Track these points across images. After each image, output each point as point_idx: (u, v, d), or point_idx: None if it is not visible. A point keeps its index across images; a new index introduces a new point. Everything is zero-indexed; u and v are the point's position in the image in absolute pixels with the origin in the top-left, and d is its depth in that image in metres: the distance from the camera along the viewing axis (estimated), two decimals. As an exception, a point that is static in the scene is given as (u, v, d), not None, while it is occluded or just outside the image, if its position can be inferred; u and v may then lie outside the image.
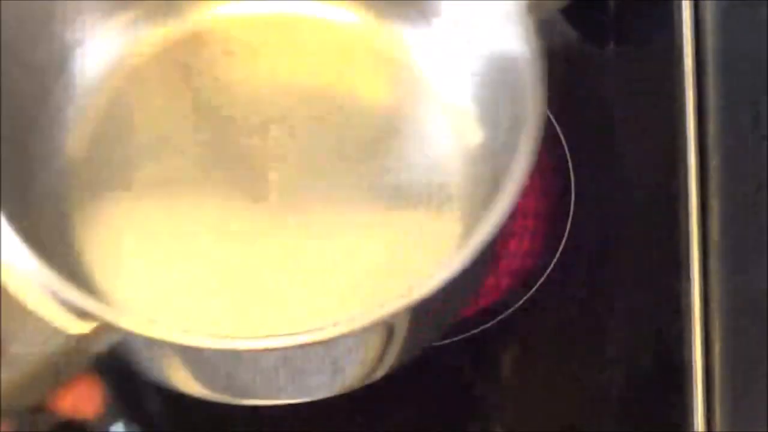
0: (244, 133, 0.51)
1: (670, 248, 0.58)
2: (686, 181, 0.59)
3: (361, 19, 0.52)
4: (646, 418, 0.55)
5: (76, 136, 0.51)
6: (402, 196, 0.50)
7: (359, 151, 0.51)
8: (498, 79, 0.48)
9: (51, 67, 0.51)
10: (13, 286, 0.40)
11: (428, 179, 0.50)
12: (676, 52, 0.62)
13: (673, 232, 0.58)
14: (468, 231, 0.47)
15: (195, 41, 0.53)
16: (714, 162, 0.59)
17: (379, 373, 0.48)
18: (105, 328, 0.40)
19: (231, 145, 0.51)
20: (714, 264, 0.57)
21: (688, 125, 0.60)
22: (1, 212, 0.41)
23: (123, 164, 0.51)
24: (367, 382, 0.48)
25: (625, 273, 0.59)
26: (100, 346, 0.41)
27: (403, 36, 0.52)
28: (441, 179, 0.50)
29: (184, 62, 0.53)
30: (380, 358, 0.46)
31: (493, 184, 0.45)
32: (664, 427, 0.55)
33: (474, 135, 0.51)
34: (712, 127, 0.60)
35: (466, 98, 0.51)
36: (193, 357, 0.43)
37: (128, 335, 0.40)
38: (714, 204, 0.58)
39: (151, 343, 0.41)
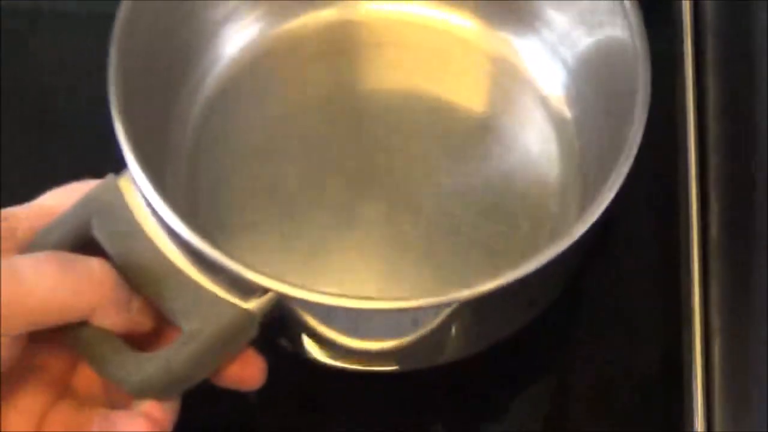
0: (356, 124, 0.55)
1: (670, 248, 0.58)
2: (686, 181, 0.59)
3: (473, 23, 0.58)
4: (646, 418, 0.55)
5: (209, 114, 0.55)
6: (506, 177, 0.55)
7: (463, 140, 0.56)
8: (593, 64, 0.54)
9: (194, 45, 0.55)
10: (185, 265, 0.44)
11: (528, 163, 0.55)
12: (677, 52, 0.62)
13: (673, 232, 0.58)
14: (565, 207, 0.54)
15: (321, 36, 0.57)
16: (714, 162, 0.59)
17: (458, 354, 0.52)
18: (275, 300, 0.44)
19: (344, 134, 0.55)
20: (714, 264, 0.57)
21: (688, 125, 0.60)
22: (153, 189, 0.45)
23: (247, 145, 0.55)
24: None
25: (625, 273, 0.59)
26: (267, 318, 0.44)
27: (507, 38, 0.58)
28: (539, 160, 0.55)
29: (310, 53, 0.57)
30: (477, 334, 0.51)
31: (581, 158, 0.54)
32: (664, 427, 0.55)
33: (564, 117, 0.56)
34: (712, 127, 0.60)
35: (558, 87, 0.56)
36: (343, 323, 0.47)
37: (299, 306, 0.45)
38: (714, 204, 0.58)
39: (311, 312, 0.46)
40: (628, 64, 0.51)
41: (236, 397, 0.52)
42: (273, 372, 0.46)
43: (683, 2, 0.62)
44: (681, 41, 0.62)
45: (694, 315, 0.56)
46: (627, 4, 0.52)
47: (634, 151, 0.48)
